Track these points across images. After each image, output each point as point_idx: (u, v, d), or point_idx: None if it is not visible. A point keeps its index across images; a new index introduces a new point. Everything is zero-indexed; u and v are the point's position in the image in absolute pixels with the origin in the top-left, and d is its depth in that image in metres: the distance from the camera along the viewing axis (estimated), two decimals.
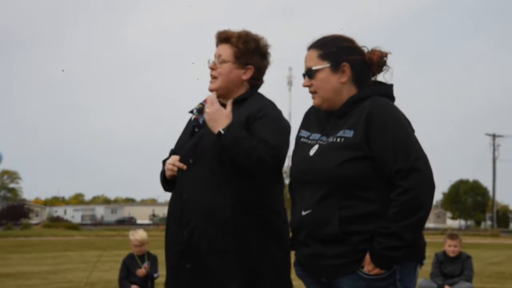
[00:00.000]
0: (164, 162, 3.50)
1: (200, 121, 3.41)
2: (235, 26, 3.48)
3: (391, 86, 3.02)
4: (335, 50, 2.95)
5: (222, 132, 3.15)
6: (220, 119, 3.19)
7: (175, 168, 3.35)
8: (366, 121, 2.82)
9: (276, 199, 3.33)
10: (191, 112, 3.54)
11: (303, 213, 2.88)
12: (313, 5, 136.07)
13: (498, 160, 68.80)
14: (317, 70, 2.95)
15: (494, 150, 68.09)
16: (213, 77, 3.42)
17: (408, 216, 2.72)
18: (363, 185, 2.80)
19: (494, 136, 68.74)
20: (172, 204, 3.41)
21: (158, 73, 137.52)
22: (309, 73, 2.97)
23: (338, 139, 2.86)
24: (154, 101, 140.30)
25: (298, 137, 3.07)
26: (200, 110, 3.44)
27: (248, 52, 3.40)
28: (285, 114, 3.45)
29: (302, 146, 3.00)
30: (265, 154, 3.13)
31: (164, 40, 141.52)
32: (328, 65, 2.94)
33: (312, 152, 2.92)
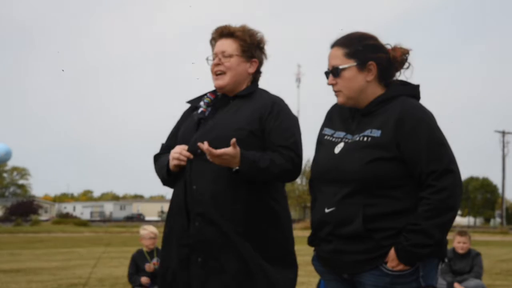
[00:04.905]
0: (156, 157, 3.48)
1: (206, 114, 3.40)
2: (242, 24, 3.45)
3: (418, 86, 2.99)
4: (361, 48, 2.91)
5: (239, 168, 3.18)
6: (230, 161, 3.15)
7: (183, 158, 3.30)
8: (397, 123, 2.80)
9: (276, 189, 3.36)
10: (191, 102, 3.52)
11: (327, 210, 2.86)
12: (322, 3, 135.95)
13: (508, 157, 68.39)
14: (343, 69, 2.91)
15: (503, 147, 67.68)
16: (220, 73, 3.39)
17: (440, 214, 2.73)
18: (389, 184, 2.80)
19: (503, 133, 68.32)
20: (177, 196, 3.36)
21: (167, 70, 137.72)
22: (335, 72, 2.93)
23: (365, 138, 2.84)
24: (164, 99, 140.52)
25: (321, 135, 3.04)
26: (209, 103, 3.44)
27: (253, 45, 3.42)
28: (293, 111, 3.44)
29: (326, 144, 2.97)
30: (284, 161, 3.23)
31: (176, 36, 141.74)
32: (354, 63, 2.91)
33: (337, 150, 2.90)
